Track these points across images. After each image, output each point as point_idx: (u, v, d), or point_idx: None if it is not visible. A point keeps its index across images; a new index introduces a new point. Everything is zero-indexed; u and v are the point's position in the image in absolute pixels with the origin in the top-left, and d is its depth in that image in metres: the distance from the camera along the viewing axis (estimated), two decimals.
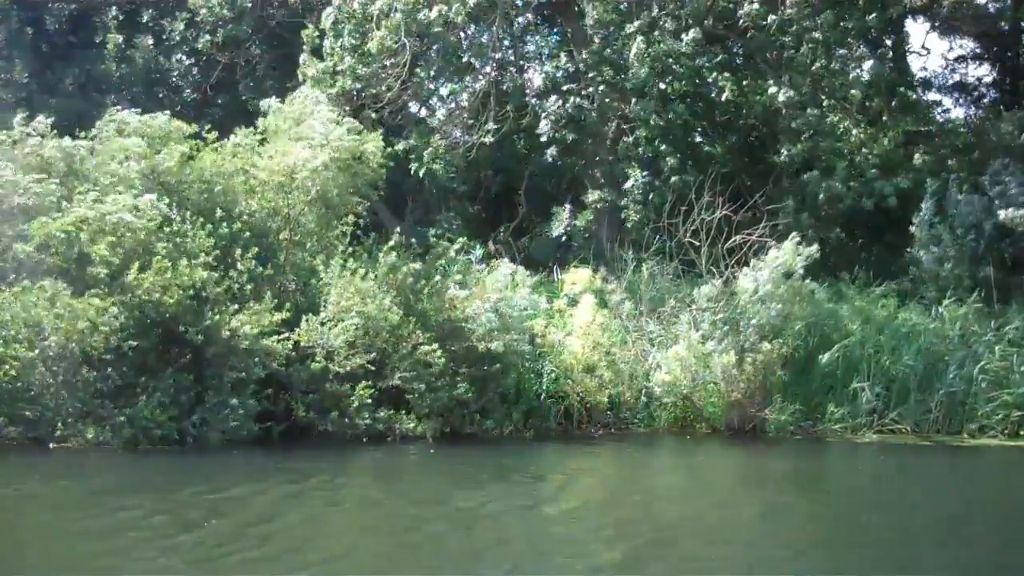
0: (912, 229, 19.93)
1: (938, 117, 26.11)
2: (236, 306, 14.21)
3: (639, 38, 20.58)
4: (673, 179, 20.83)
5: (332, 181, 15.87)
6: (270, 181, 15.88)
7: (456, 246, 17.48)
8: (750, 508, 11.96)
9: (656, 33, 20.88)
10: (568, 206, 22.65)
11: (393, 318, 14.62)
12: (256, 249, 14.85)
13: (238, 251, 14.70)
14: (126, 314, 13.49)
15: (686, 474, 14.51)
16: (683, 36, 20.95)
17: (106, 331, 13.33)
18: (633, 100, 21.36)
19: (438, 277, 15.96)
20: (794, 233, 17.19)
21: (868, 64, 21.32)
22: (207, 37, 25.93)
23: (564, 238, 22.22)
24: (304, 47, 21.80)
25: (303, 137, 15.98)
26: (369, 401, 14.24)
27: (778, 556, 9.57)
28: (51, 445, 13.21)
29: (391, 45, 20.39)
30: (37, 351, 13.32)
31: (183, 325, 13.77)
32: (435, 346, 14.61)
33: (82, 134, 15.78)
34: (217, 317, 13.90)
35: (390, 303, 14.77)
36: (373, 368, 14.52)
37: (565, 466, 14.40)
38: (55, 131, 15.44)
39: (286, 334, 14.23)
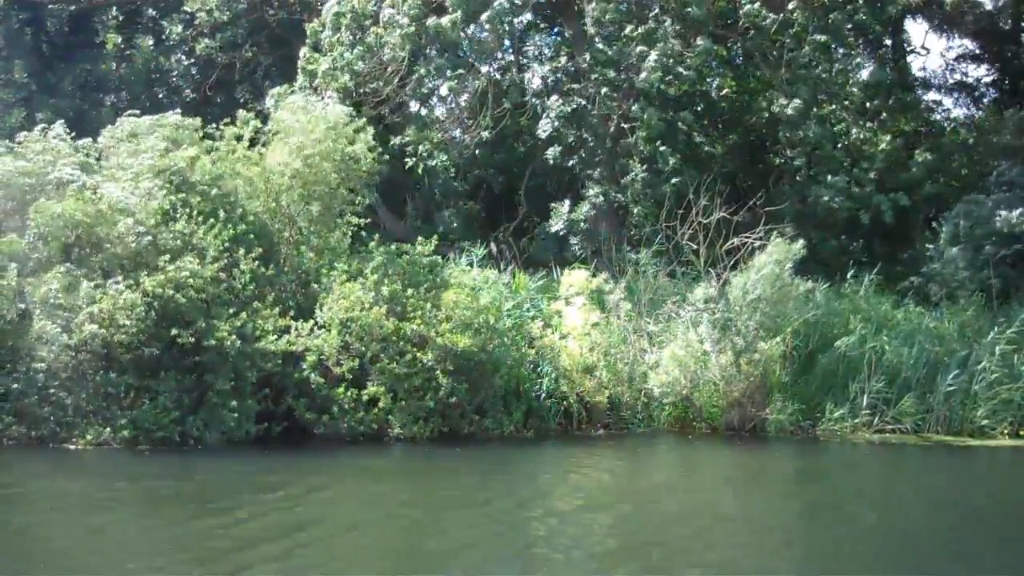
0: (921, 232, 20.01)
1: (938, 117, 26.20)
2: (238, 307, 14.23)
3: (648, 45, 20.55)
4: (674, 179, 20.81)
5: (316, 172, 15.76)
6: (264, 180, 15.89)
7: (429, 247, 16.16)
8: (779, 507, 12.07)
9: (659, 33, 20.87)
10: (567, 202, 22.61)
11: (388, 327, 14.55)
12: (260, 250, 14.87)
13: (241, 251, 14.70)
14: (142, 309, 13.51)
15: (698, 474, 14.45)
16: (689, 39, 20.93)
17: (135, 326, 13.38)
18: (635, 101, 21.34)
19: (409, 290, 15.23)
20: (776, 231, 16.97)
21: (868, 65, 21.34)
22: (205, 42, 26.03)
23: (563, 232, 22.09)
24: (307, 41, 21.82)
25: (288, 130, 15.96)
26: (352, 407, 14.21)
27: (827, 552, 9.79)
28: (51, 445, 13.20)
29: (395, 51, 20.39)
30: (58, 347, 13.29)
31: (194, 321, 13.75)
32: (406, 366, 14.45)
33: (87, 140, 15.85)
34: (222, 318, 13.91)
35: (384, 311, 14.65)
36: (363, 371, 14.52)
37: (579, 466, 14.30)
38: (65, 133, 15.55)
39: (285, 337, 14.26)
